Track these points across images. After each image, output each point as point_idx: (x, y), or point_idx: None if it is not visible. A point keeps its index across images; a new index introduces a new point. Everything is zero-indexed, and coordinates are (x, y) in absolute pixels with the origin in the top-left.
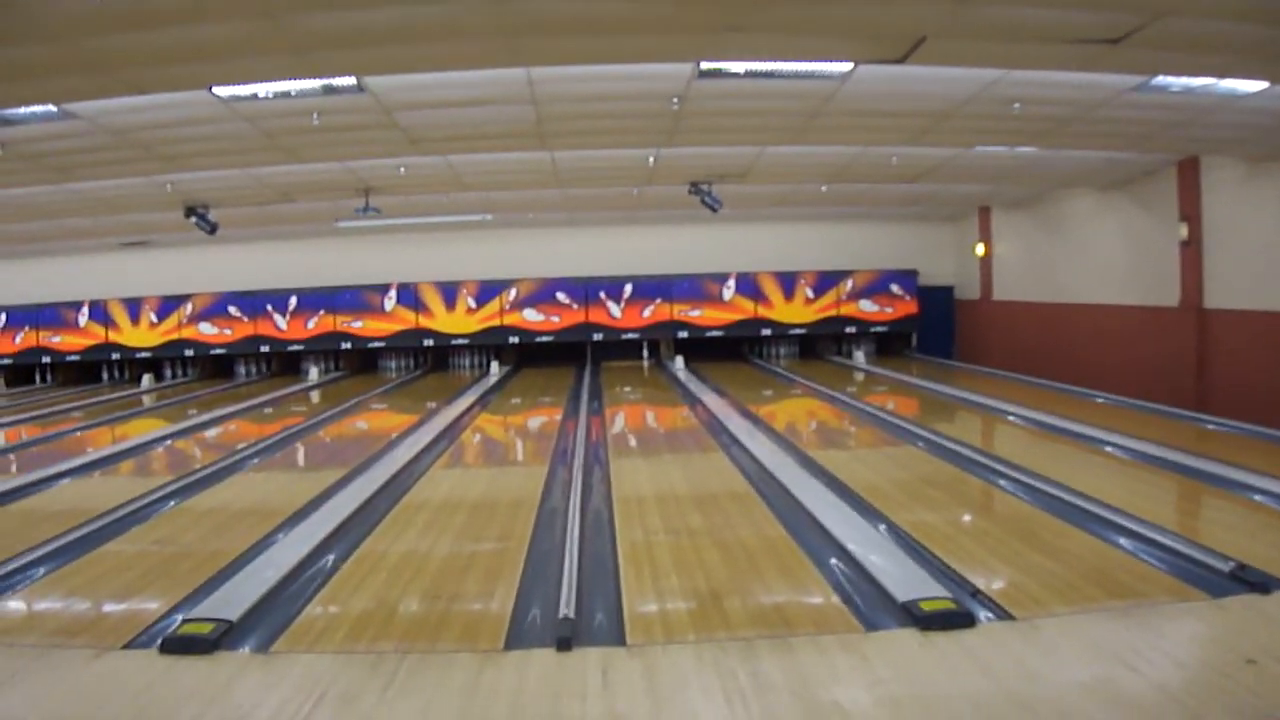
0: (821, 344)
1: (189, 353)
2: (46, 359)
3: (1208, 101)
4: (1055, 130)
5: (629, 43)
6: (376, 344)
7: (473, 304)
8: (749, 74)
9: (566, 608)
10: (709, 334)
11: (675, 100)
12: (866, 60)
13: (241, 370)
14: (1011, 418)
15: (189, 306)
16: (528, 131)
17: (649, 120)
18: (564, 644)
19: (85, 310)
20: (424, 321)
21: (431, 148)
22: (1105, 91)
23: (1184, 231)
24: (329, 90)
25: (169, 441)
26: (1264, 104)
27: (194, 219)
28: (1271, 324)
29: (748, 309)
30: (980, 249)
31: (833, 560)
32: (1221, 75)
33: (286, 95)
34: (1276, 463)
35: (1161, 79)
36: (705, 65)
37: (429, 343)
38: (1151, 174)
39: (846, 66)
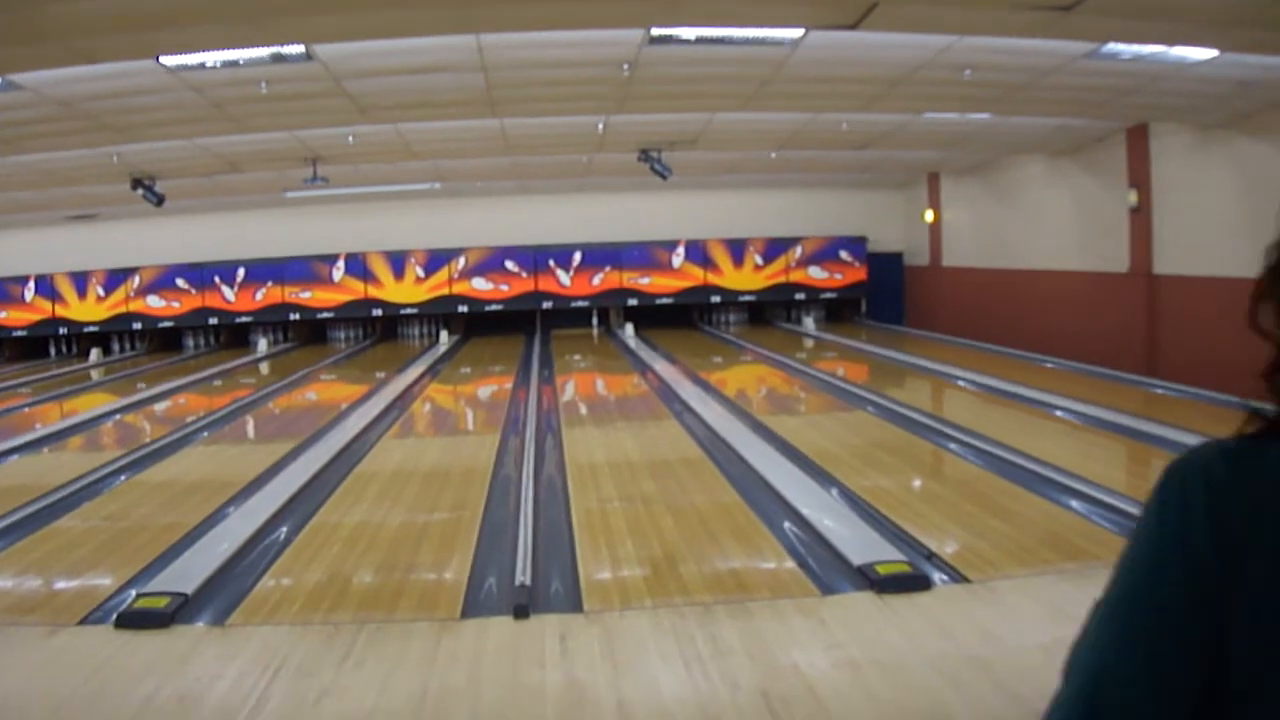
0: (771, 310)
1: (137, 326)
2: None
3: (1157, 69)
4: (1006, 97)
5: (579, 9)
6: (325, 314)
7: (421, 273)
8: (700, 40)
9: (523, 575)
10: (659, 301)
11: (626, 66)
12: (818, 26)
13: (190, 343)
14: (962, 383)
15: (136, 279)
16: (477, 99)
17: (599, 87)
18: (521, 612)
19: (31, 285)
20: (372, 291)
21: (381, 116)
22: (1056, 58)
23: (1133, 198)
24: (277, 58)
25: (119, 416)
26: (1213, 72)
27: (140, 191)
28: (1220, 289)
29: (697, 276)
30: (929, 215)
31: (787, 525)
32: (1171, 43)
33: (234, 64)
34: (1224, 426)
35: (1112, 46)
36: (656, 31)
37: (378, 313)
38: (1101, 140)
39: (798, 33)
